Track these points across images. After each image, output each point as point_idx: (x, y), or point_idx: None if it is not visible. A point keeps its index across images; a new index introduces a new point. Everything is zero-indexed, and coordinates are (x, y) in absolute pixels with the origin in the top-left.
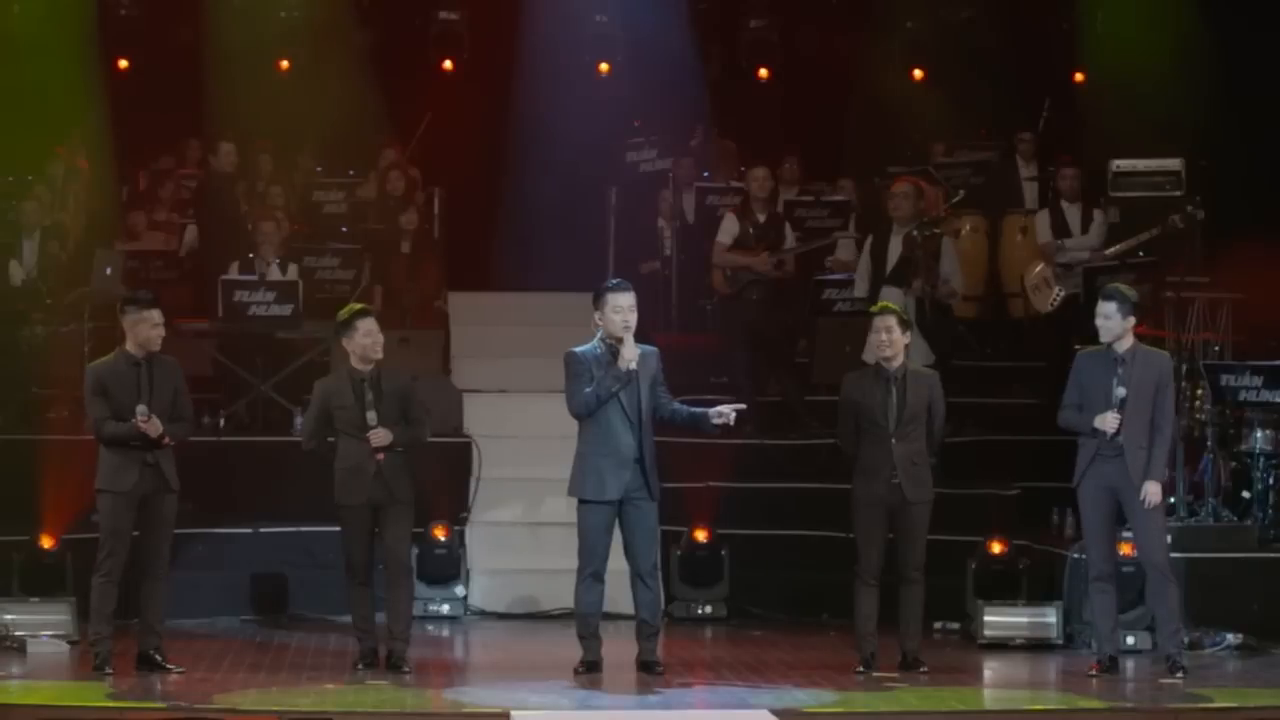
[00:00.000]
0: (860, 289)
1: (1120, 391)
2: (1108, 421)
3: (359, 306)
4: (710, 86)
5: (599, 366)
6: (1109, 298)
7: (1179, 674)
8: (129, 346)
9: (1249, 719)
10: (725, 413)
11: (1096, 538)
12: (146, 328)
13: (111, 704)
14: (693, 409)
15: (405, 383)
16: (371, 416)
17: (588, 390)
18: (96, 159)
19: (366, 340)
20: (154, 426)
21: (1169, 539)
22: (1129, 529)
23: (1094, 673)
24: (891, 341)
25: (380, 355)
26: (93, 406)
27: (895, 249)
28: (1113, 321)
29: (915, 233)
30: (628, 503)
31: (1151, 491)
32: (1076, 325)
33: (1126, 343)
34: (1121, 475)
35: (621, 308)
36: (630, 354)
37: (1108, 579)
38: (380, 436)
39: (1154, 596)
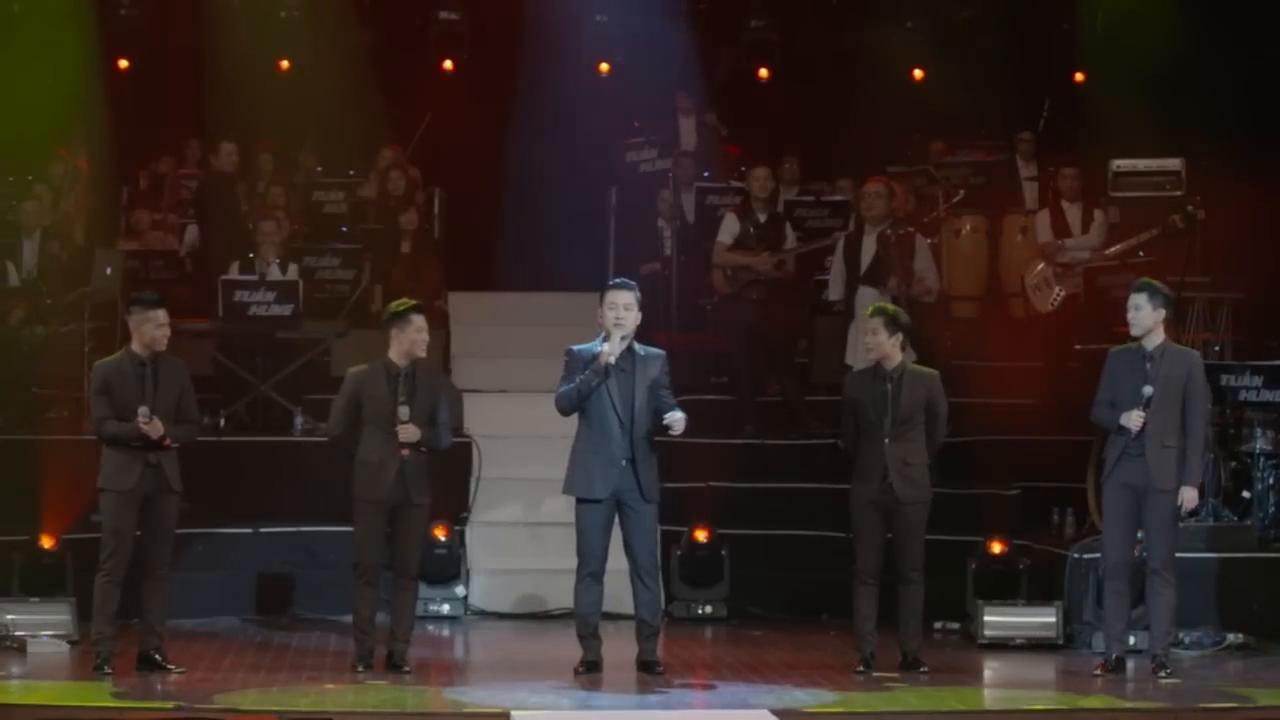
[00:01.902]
0: (835, 291)
1: (1147, 389)
2: (1132, 419)
3: (414, 302)
4: (711, 86)
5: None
6: (1140, 289)
7: (1162, 674)
8: (135, 346)
9: (1249, 719)
10: (673, 423)
11: (1115, 536)
12: (151, 328)
13: (112, 704)
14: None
15: (439, 386)
16: (404, 411)
17: (568, 386)
18: (96, 159)
19: (419, 336)
20: (155, 428)
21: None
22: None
23: (1099, 672)
24: (877, 344)
25: (424, 354)
26: (96, 405)
27: (869, 248)
28: (1143, 312)
29: (889, 231)
30: (624, 504)
31: (1188, 497)
32: (1076, 325)
33: (1157, 339)
34: (1143, 475)
35: (615, 304)
36: (610, 349)
37: (1123, 579)
38: (409, 432)
39: (1151, 597)
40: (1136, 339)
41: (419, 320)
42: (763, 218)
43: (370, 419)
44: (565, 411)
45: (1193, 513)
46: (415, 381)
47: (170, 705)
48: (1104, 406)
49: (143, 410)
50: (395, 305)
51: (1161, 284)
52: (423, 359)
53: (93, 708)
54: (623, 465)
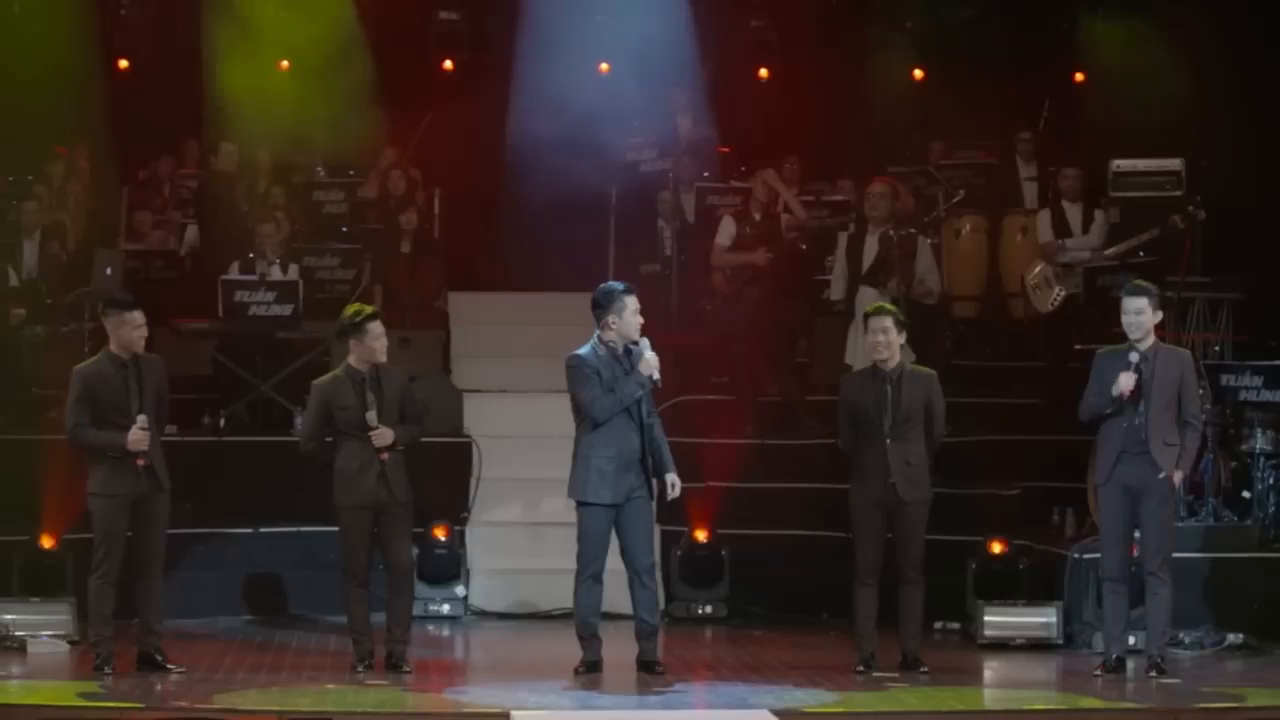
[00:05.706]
0: (837, 291)
1: (1134, 356)
2: (1122, 381)
3: (369, 310)
4: (710, 86)
5: (605, 368)
6: (1139, 294)
7: (1154, 673)
8: (113, 348)
9: (1249, 719)
10: (671, 489)
11: (1112, 538)
12: (128, 330)
13: (112, 704)
14: (664, 457)
15: (402, 382)
16: (371, 417)
17: (607, 395)
18: (96, 159)
19: (377, 344)
20: (146, 438)
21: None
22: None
23: (1099, 672)
24: (888, 343)
25: (384, 359)
26: (72, 411)
27: (871, 249)
28: (1144, 316)
29: (891, 232)
30: (626, 501)
31: (1176, 478)
32: (1076, 325)
33: (1148, 341)
34: (1141, 475)
35: (637, 310)
36: (654, 361)
37: (1121, 580)
38: (384, 436)
39: (1148, 598)
40: (1136, 340)
41: (375, 327)
42: (758, 217)
43: (344, 429)
44: (602, 421)
45: (1191, 512)
46: (380, 384)
47: (170, 705)
48: (1092, 398)
49: (141, 418)
50: (347, 313)
51: (1151, 284)
52: (383, 363)
53: (92, 708)
54: (637, 465)
